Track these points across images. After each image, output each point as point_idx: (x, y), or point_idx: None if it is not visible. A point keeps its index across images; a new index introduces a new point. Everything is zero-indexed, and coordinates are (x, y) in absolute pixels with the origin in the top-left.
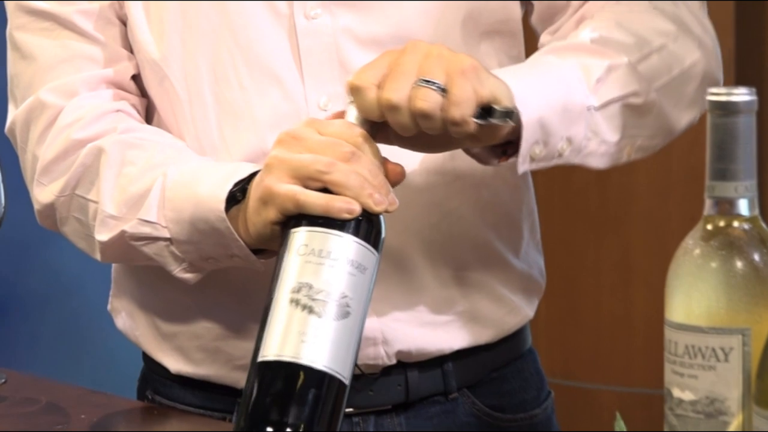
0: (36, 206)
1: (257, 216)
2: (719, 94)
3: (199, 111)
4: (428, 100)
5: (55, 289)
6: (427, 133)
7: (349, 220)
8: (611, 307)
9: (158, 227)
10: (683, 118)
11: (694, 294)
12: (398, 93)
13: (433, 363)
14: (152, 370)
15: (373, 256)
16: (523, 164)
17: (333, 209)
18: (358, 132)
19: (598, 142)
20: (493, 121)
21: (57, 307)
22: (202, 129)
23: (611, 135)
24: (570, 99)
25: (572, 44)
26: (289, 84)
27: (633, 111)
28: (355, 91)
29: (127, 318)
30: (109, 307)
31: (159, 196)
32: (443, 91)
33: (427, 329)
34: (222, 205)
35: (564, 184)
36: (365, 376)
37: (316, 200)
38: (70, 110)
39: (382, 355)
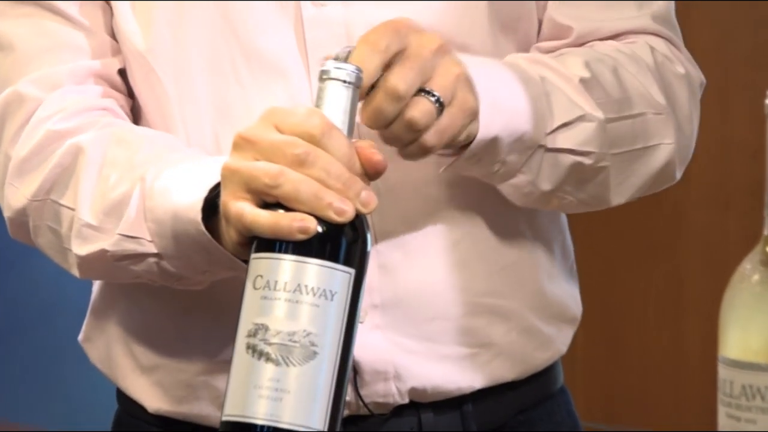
0: (7, 213)
1: (226, 235)
2: None
3: (190, 111)
4: (424, 117)
5: (22, 316)
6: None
7: (310, 239)
8: (660, 341)
9: (143, 242)
10: (621, 196)
11: (752, 327)
12: (405, 85)
13: (450, 403)
14: (128, 412)
15: (343, 275)
16: (448, 168)
17: (282, 230)
18: (317, 123)
19: (527, 181)
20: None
21: (24, 338)
22: (193, 131)
23: (544, 183)
24: (530, 131)
25: (561, 70)
26: (294, 80)
27: (578, 170)
28: (361, 44)
29: (103, 349)
30: (81, 336)
31: (139, 205)
32: (441, 110)
33: (446, 364)
34: (199, 217)
35: None
36: (374, 417)
37: (262, 220)
38: (50, 102)
39: (393, 392)
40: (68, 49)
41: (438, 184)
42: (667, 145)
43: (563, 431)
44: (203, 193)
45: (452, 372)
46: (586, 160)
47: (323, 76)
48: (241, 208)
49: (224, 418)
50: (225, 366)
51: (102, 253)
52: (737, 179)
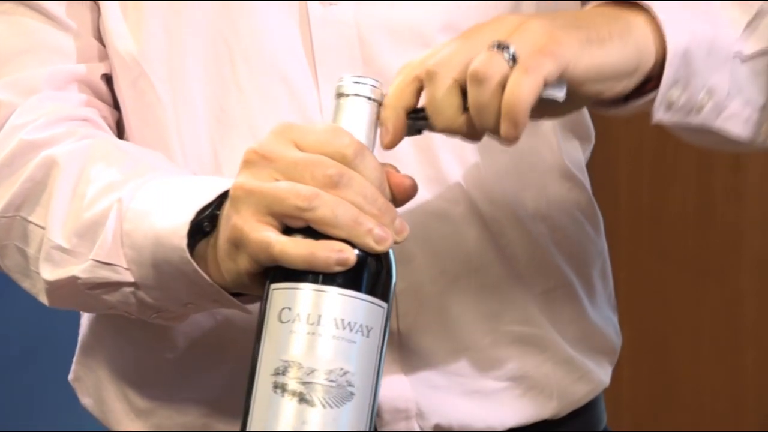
0: None
1: (230, 261)
2: None
3: (185, 118)
4: (490, 66)
5: (7, 352)
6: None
7: (347, 270)
8: (715, 377)
9: (119, 269)
10: None
11: None
12: (477, 59)
13: None
14: None
15: (380, 310)
16: (659, 108)
17: (318, 261)
18: (347, 140)
19: (742, 102)
20: (543, 94)
21: (9, 375)
22: (189, 141)
23: (758, 96)
24: (717, 37)
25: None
26: (299, 86)
27: None
28: (431, 78)
29: (93, 390)
30: (71, 376)
31: (116, 228)
32: (514, 61)
33: (474, 400)
34: (184, 242)
35: (654, 218)
36: None
37: (295, 251)
38: (26, 109)
39: (415, 430)
40: (48, 51)
41: (465, 201)
42: None
43: None
44: (189, 215)
45: (481, 408)
46: None
47: (343, 92)
48: (266, 236)
49: None
50: (230, 406)
51: (72, 280)
52: None
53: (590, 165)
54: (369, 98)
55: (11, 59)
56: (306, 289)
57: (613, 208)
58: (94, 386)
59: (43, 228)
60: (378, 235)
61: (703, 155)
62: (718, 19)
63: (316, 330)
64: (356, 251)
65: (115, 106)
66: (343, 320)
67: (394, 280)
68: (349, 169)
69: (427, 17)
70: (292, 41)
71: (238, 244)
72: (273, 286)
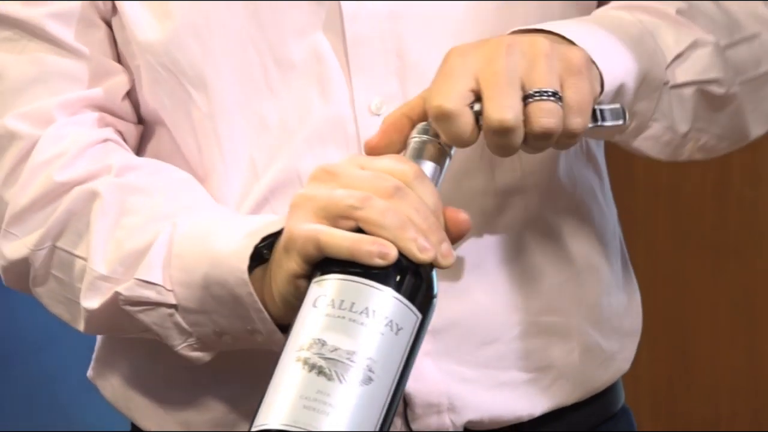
0: (1, 262)
1: (279, 269)
2: None
3: (223, 126)
4: (552, 117)
5: (23, 343)
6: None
7: (385, 268)
8: (733, 358)
9: (162, 290)
10: (760, 125)
11: None
12: (512, 111)
13: (507, 430)
14: None
15: (413, 316)
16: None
17: (361, 251)
18: (411, 167)
19: (664, 127)
20: (606, 124)
21: (23, 366)
22: (228, 149)
23: (680, 123)
24: (651, 70)
25: (653, 8)
26: (332, 83)
27: (709, 101)
28: (443, 118)
29: (118, 386)
30: (90, 373)
31: (164, 252)
32: (559, 99)
33: (503, 392)
34: (245, 265)
35: (671, 198)
36: None
37: (340, 240)
38: (47, 142)
39: (447, 425)
40: (59, 79)
41: (493, 194)
42: None
43: None
44: (253, 240)
45: (511, 400)
46: (714, 89)
47: (413, 134)
48: (314, 228)
49: (257, 428)
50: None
51: (114, 299)
52: None
53: (607, 145)
54: (433, 139)
55: (23, 90)
56: (344, 279)
57: (630, 189)
58: (119, 382)
59: (84, 259)
60: (422, 245)
61: None
62: (656, 53)
63: (346, 315)
64: (400, 257)
65: (138, 119)
66: (374, 311)
67: (434, 298)
68: (407, 186)
69: (464, 10)
70: (323, 42)
71: (288, 245)
72: (314, 280)
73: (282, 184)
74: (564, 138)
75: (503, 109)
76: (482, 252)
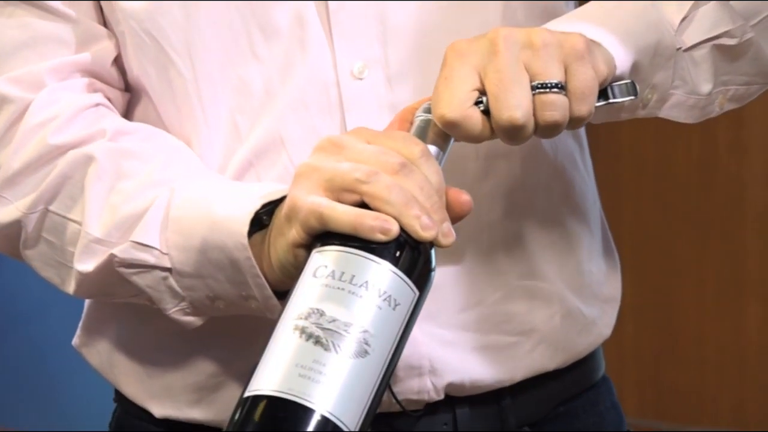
0: None
1: (281, 237)
2: None
3: (207, 92)
4: (558, 108)
5: (11, 314)
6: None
7: (386, 243)
8: (718, 330)
9: (157, 254)
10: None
11: None
12: (521, 109)
13: (487, 398)
14: (130, 413)
15: (410, 292)
16: (603, 117)
17: (363, 226)
18: (418, 146)
19: (686, 92)
20: (616, 100)
21: (13, 337)
22: (211, 114)
23: (701, 83)
24: (661, 41)
25: None
26: (314, 47)
27: (725, 54)
28: (450, 127)
29: (104, 353)
30: (76, 341)
31: (161, 216)
32: (564, 88)
33: (486, 355)
34: (245, 229)
35: (658, 174)
36: (406, 415)
37: (343, 215)
38: (40, 105)
39: (428, 389)
40: (48, 43)
41: (475, 159)
42: None
43: (607, 423)
44: (254, 206)
45: (492, 364)
46: (727, 41)
47: (428, 115)
48: (317, 200)
49: (250, 393)
50: (244, 364)
51: (109, 261)
52: None
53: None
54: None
55: (12, 54)
56: (345, 251)
57: (617, 163)
58: (105, 349)
59: (78, 222)
60: (425, 223)
61: None
62: (661, 22)
63: (345, 287)
64: (401, 233)
65: (125, 87)
66: (373, 285)
67: (431, 277)
68: (412, 164)
69: None
70: (306, 6)
71: (290, 215)
72: (315, 250)
73: (265, 147)
74: (572, 124)
75: (511, 108)
76: (466, 219)
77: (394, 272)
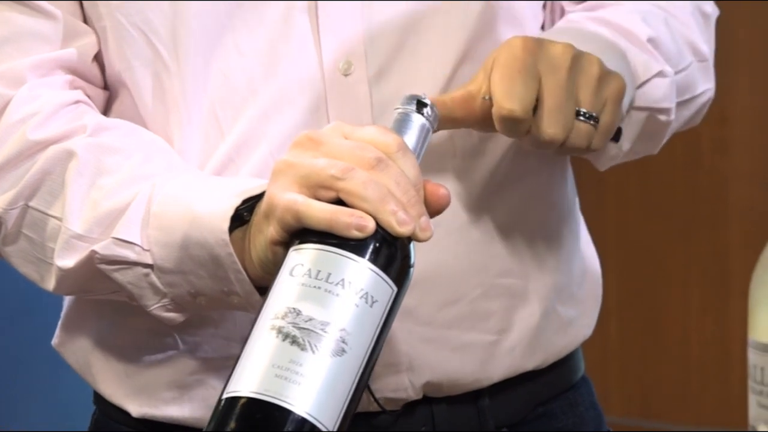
0: None
1: (259, 234)
2: None
3: (191, 86)
4: (588, 139)
5: None
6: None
7: (363, 240)
8: (702, 328)
9: (139, 250)
10: (659, 146)
11: None
12: (565, 129)
13: (466, 398)
14: (108, 414)
15: (388, 289)
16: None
17: (339, 223)
18: (395, 140)
19: (614, 144)
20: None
21: None
22: (193, 107)
23: (626, 143)
24: (630, 86)
25: (626, 29)
26: (300, 43)
27: (651, 128)
28: (512, 123)
29: (81, 353)
30: (55, 341)
31: (142, 212)
32: (597, 120)
33: (463, 354)
34: (226, 225)
35: (642, 171)
36: (384, 413)
37: (318, 212)
38: (21, 101)
39: (406, 386)
40: (31, 39)
41: (453, 157)
42: (707, 92)
43: (586, 423)
44: (235, 202)
45: (471, 363)
46: (663, 118)
47: (398, 106)
48: (293, 197)
49: (228, 395)
50: (224, 361)
51: (90, 257)
52: None
53: None
54: (418, 112)
55: None
56: (321, 249)
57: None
58: (82, 350)
59: (59, 219)
60: (401, 218)
61: None
62: (630, 71)
63: (322, 285)
64: (378, 229)
65: (104, 84)
66: (350, 283)
67: (410, 273)
68: (389, 158)
69: None
70: (293, 2)
71: (268, 212)
72: (292, 248)
73: (247, 143)
74: (572, 150)
75: (558, 126)
76: (445, 212)
77: (370, 269)
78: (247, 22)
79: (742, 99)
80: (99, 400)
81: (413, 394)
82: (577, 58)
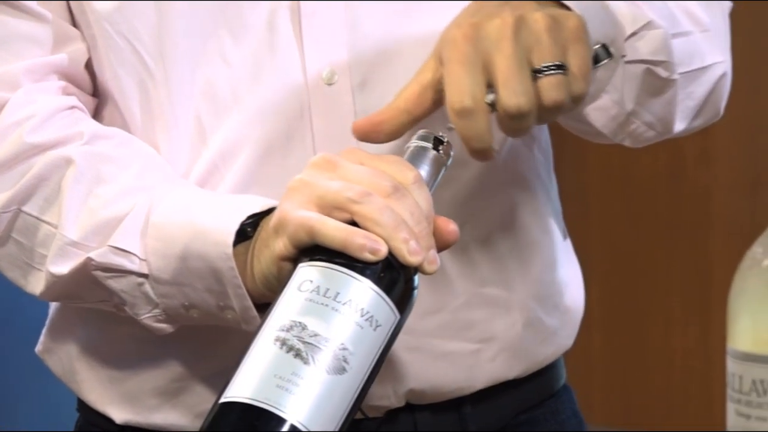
0: None
1: (266, 249)
2: None
3: (177, 95)
4: (561, 90)
5: None
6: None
7: (372, 264)
8: (685, 337)
9: (135, 259)
10: (682, 121)
11: (763, 316)
12: (525, 96)
13: (448, 405)
14: (91, 422)
15: (391, 315)
16: None
17: (353, 244)
18: (411, 171)
19: (613, 100)
20: (599, 65)
21: None
22: (181, 118)
23: (627, 100)
24: (617, 36)
25: None
26: (284, 51)
27: (650, 84)
28: (465, 115)
29: (65, 360)
30: (39, 348)
31: (141, 222)
32: (565, 68)
33: (446, 362)
34: (230, 239)
35: (624, 181)
36: (366, 420)
37: (333, 230)
38: (16, 104)
39: (388, 394)
40: (24, 43)
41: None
42: (720, 65)
43: (568, 431)
44: (240, 217)
45: (453, 371)
46: (661, 71)
47: (413, 139)
48: (308, 215)
49: (228, 399)
50: (208, 368)
51: (85, 264)
52: (765, 156)
53: (560, 127)
54: (433, 148)
55: None
56: (331, 268)
57: (583, 172)
58: (66, 356)
59: (53, 225)
60: (413, 248)
61: None
62: (618, 24)
63: (330, 303)
64: (388, 256)
65: (94, 92)
66: (357, 304)
67: (413, 302)
68: (405, 189)
69: None
70: (277, 10)
71: (278, 227)
72: (301, 265)
73: (231, 151)
74: (575, 103)
75: (518, 96)
76: None
77: (377, 293)
78: (232, 30)
79: (726, 110)
80: (82, 407)
81: (396, 402)
82: (519, 22)
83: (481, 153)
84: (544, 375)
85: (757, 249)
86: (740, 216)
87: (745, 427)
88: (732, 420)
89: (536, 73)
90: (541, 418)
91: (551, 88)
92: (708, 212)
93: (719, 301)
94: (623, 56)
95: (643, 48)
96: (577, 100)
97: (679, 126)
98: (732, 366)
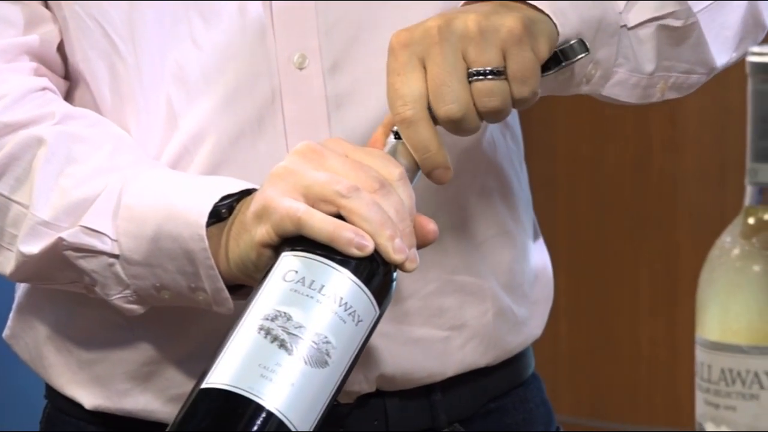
0: None
1: (245, 233)
2: (763, 54)
3: (148, 77)
4: (495, 95)
5: None
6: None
7: (356, 259)
8: (653, 328)
9: (106, 240)
10: (723, 53)
11: (732, 305)
12: (458, 102)
13: (418, 392)
14: (60, 409)
15: (372, 310)
16: (546, 91)
17: (341, 239)
18: (397, 168)
19: (629, 70)
20: (570, 61)
21: None
22: (152, 101)
23: (645, 62)
24: (605, 16)
25: None
26: (254, 36)
27: (669, 37)
28: (407, 125)
29: (33, 345)
30: (6, 332)
31: (113, 202)
32: (502, 72)
33: (417, 348)
34: (203, 220)
35: (592, 170)
36: (337, 406)
37: (321, 223)
38: None
39: (359, 379)
40: None
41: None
42: None
43: (536, 419)
44: (214, 198)
45: (424, 357)
46: (672, 22)
47: (397, 136)
48: (296, 205)
49: (208, 386)
50: (178, 351)
51: (56, 244)
52: (732, 146)
53: (529, 116)
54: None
55: None
56: (315, 260)
57: (551, 161)
58: (34, 341)
59: (24, 205)
60: (398, 245)
61: (641, 107)
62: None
63: (315, 296)
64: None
65: (65, 74)
66: (341, 298)
67: (390, 297)
68: (390, 185)
69: None
70: None
71: (262, 214)
72: (285, 254)
73: (201, 133)
74: (518, 105)
75: (447, 103)
76: None
77: (360, 288)
78: (203, 13)
79: (692, 99)
80: (51, 393)
81: (366, 387)
82: (447, 25)
83: (431, 163)
84: (514, 364)
85: (725, 238)
86: (708, 205)
87: (714, 415)
88: (701, 409)
89: (470, 76)
90: (510, 407)
91: (483, 95)
92: (675, 201)
93: (686, 291)
94: (623, 26)
95: (646, 7)
96: (522, 103)
97: (722, 59)
98: (701, 355)
